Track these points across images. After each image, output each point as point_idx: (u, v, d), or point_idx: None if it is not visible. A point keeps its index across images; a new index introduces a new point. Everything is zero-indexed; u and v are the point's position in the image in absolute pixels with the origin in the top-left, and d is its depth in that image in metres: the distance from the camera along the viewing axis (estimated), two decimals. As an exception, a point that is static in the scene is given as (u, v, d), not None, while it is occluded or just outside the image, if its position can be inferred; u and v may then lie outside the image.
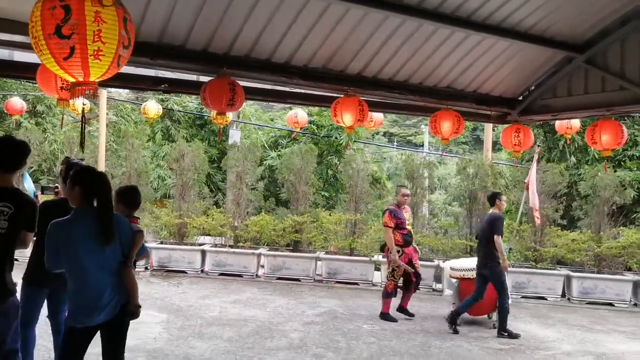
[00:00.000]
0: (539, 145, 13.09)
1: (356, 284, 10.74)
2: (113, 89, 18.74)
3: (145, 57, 4.77)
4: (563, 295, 10.42)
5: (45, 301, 4.55)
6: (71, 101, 5.64)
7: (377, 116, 9.73)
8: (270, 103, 29.02)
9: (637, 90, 5.49)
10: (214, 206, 12.67)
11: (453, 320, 7.63)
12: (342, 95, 5.66)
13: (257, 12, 4.77)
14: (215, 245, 11.70)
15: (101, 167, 13.78)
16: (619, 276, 10.37)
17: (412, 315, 8.30)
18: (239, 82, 5.18)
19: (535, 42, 5.64)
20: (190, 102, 17.55)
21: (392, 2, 4.77)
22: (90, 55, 2.88)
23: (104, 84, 5.92)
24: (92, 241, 3.39)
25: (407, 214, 8.14)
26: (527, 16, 5.26)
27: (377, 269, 11.07)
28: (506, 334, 7.48)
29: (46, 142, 15.22)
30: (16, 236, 3.57)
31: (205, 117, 16.76)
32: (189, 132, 17.00)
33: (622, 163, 13.75)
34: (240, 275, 10.99)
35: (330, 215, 11.70)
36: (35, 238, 3.91)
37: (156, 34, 4.76)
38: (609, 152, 6.45)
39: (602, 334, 8.05)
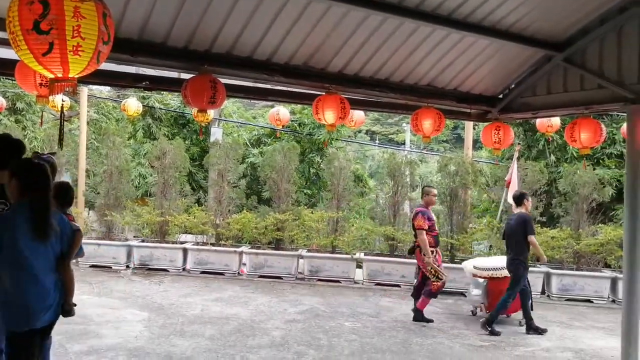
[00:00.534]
0: (519, 144, 13.24)
1: (338, 281, 10.78)
2: (94, 87, 18.54)
3: (126, 54, 4.73)
4: (543, 292, 10.56)
5: None
6: (51, 98, 5.57)
7: (358, 115, 9.73)
8: (252, 101, 28.95)
9: (615, 88, 5.56)
10: (196, 204, 12.60)
11: (491, 328, 7.60)
12: (324, 93, 5.66)
13: (238, 9, 4.75)
14: (197, 244, 11.66)
15: (82, 165, 13.63)
16: (598, 273, 10.56)
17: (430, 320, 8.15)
18: (220, 79, 5.16)
19: (515, 41, 5.69)
20: (172, 100, 17.39)
21: (373, 0, 4.79)
22: (69, 51, 2.83)
23: (84, 80, 5.84)
24: (31, 235, 3.22)
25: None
26: (508, 14, 5.31)
27: (359, 266, 11.12)
28: (489, 328, 7.58)
29: (26, 139, 14.96)
30: None
31: (187, 116, 16.63)
32: (170, 131, 16.85)
33: (600, 161, 13.94)
34: (222, 274, 10.96)
35: (312, 213, 11.71)
36: None
37: (137, 31, 4.72)
38: (588, 150, 6.54)
39: (580, 330, 8.19)
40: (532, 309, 7.93)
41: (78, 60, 2.88)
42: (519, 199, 7.88)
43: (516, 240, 7.55)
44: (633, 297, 5.72)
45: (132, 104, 11.54)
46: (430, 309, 9.00)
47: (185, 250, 11.28)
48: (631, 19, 5.43)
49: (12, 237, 3.20)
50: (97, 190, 12.57)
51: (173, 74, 6.05)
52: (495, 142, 6.79)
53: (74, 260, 4.11)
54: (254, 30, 4.99)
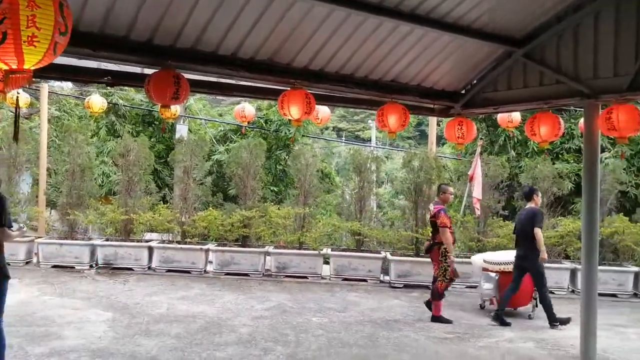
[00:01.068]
0: (481, 139, 13.50)
1: (305, 277, 10.80)
2: (55, 83, 18.07)
3: (87, 48, 4.61)
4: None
5: None
6: (8, 94, 5.40)
7: (324, 111, 9.77)
8: (218, 99, 28.68)
9: (572, 84, 5.73)
10: (161, 202, 12.42)
11: (501, 319, 7.88)
12: (289, 89, 5.65)
13: (202, 4, 4.69)
14: (163, 242, 11.51)
15: (43, 163, 13.27)
16: (558, 264, 10.85)
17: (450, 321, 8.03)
18: (184, 74, 5.09)
19: (476, 37, 5.78)
20: (137, 97, 17.07)
21: (337, -4, 4.81)
22: (24, 42, 2.75)
23: (44, 75, 5.73)
24: None
25: None
26: (469, 10, 5.40)
27: (326, 262, 11.16)
28: (557, 323, 7.78)
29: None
30: None
31: (155, 114, 16.35)
32: (135, 128, 16.55)
33: (560, 156, 14.36)
34: (188, 272, 10.85)
35: (279, 209, 11.69)
36: None
37: (98, 24, 4.61)
38: (547, 143, 6.72)
39: (542, 320, 8.34)
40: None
41: (33, 51, 2.80)
42: (529, 194, 8.09)
43: (527, 234, 7.74)
44: (591, 287, 5.93)
45: (97, 100, 11.28)
46: (397, 303, 9.14)
47: (150, 249, 11.12)
48: (586, 17, 5.60)
49: None
50: (59, 189, 12.26)
51: (136, 69, 5.92)
52: (458, 137, 6.90)
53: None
54: (218, 24, 4.94)
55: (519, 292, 7.98)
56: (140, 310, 7.89)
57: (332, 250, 11.27)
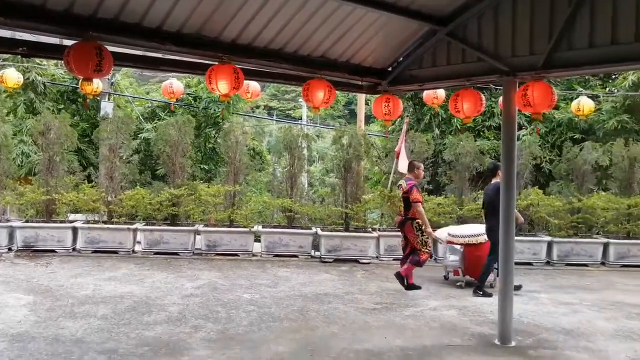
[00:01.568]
0: (407, 116, 13.86)
1: (236, 255, 10.79)
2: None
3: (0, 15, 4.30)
4: (430, 257, 11.21)
5: None
6: None
7: (254, 87, 9.65)
8: (145, 76, 27.66)
9: (492, 62, 5.95)
10: (86, 181, 11.94)
11: (481, 289, 8.31)
12: (217, 63, 5.55)
13: (125, -29, 4.50)
14: (88, 222, 11.09)
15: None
16: (478, 236, 11.39)
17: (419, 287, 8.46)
18: (107, 47, 4.87)
19: (402, 14, 5.87)
20: (58, 73, 16.13)
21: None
22: None
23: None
24: None
25: None
26: (395, -12, 5.48)
27: (257, 239, 11.19)
28: (481, 293, 8.23)
29: None
30: None
31: (78, 91, 15.52)
32: (56, 106, 15.68)
33: (481, 133, 15.00)
34: (115, 252, 10.56)
35: (208, 187, 11.55)
36: None
37: (11, -9, 4.31)
38: (470, 120, 6.99)
39: (463, 290, 8.81)
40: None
41: None
42: (494, 169, 8.45)
43: (494, 208, 7.86)
44: (508, 256, 6.27)
45: (11, 74, 10.52)
46: (327, 277, 9.33)
47: (74, 230, 10.71)
48: (506, -3, 5.83)
49: None
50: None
51: (54, 40, 5.59)
52: (385, 113, 7.04)
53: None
54: (142, -6, 4.76)
55: (483, 263, 8.42)
56: (64, 292, 7.63)
57: (263, 227, 11.29)
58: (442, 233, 9.45)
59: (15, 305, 6.82)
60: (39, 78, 15.35)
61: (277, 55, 5.96)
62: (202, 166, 15.69)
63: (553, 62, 5.48)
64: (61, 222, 11.10)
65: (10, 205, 11.34)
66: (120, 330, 6.05)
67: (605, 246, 11.59)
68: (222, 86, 5.48)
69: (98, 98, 14.16)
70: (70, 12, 4.65)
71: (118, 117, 12.40)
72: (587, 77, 15.16)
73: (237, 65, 5.57)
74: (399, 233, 11.22)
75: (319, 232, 11.00)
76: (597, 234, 12.24)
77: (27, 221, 10.98)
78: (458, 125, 14.66)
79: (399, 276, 8.32)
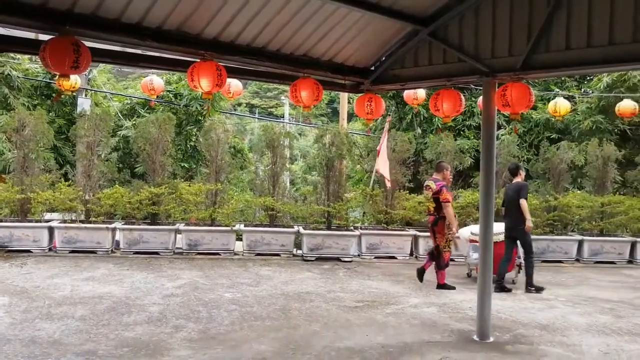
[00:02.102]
0: (389, 115, 13.93)
1: (218, 254, 10.73)
2: None
3: (-30, 8, 4.20)
4: (411, 254, 11.34)
5: None
6: None
7: (236, 85, 9.61)
8: (124, 72, 27.28)
9: (473, 62, 6.01)
10: (62, 180, 11.73)
11: (502, 286, 8.53)
12: (199, 60, 5.49)
13: (104, -35, 4.42)
14: (65, 221, 10.91)
15: None
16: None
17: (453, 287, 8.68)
18: (85, 42, 4.78)
19: (385, 14, 5.88)
20: (33, 67, 15.79)
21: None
22: None
23: None
24: None
25: None
26: (378, -12, 5.49)
27: (239, 238, 11.14)
28: (533, 288, 8.49)
29: None
30: None
31: (52, 85, 15.23)
32: (31, 101, 15.33)
33: (461, 132, 15.15)
34: (93, 252, 10.42)
35: (189, 186, 11.44)
36: None
37: (-17, -18, 4.21)
38: (449, 118, 7.06)
39: (443, 289, 8.86)
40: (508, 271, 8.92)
41: None
42: (515, 169, 8.91)
43: (515, 206, 8.51)
44: (487, 253, 6.34)
45: (-17, 69, 10.35)
46: (309, 275, 9.34)
47: (51, 229, 10.53)
48: (486, -1, 5.90)
49: None
50: None
51: (29, 35, 5.46)
52: (367, 112, 7.05)
53: None
54: (122, -11, 4.68)
55: (499, 260, 8.65)
56: (40, 293, 7.49)
57: (245, 226, 11.24)
58: (464, 232, 9.62)
59: (-11, 307, 6.69)
60: (13, 72, 15.03)
61: (260, 53, 5.92)
62: (183, 164, 15.54)
63: (531, 64, 5.57)
64: (37, 221, 10.90)
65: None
66: (99, 331, 5.96)
67: (580, 243, 11.85)
68: (205, 83, 5.43)
69: (75, 94, 13.92)
70: (46, 5, 4.54)
71: (96, 114, 12.20)
72: (563, 79, 15.43)
73: (219, 63, 5.53)
74: (380, 232, 11.40)
75: (301, 230, 10.99)
76: (572, 231, 12.49)
77: (0, 220, 10.76)
78: (439, 125, 14.80)
79: (441, 286, 8.62)
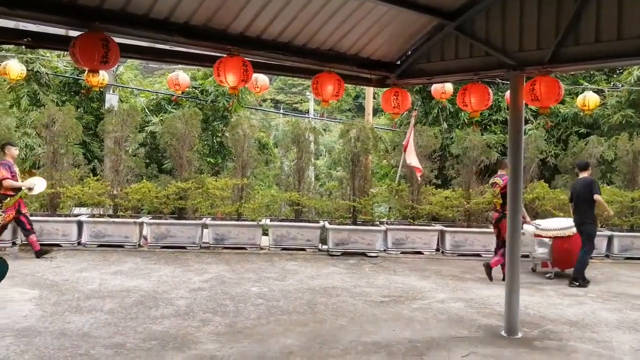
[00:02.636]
0: (415, 109, 13.82)
1: (244, 248, 10.80)
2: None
3: (2, 5, 4.25)
4: (438, 249, 11.26)
5: None
6: None
7: (262, 80, 9.66)
8: (150, 69, 27.65)
9: (500, 56, 5.93)
10: (91, 175, 11.93)
11: (583, 279, 8.74)
12: (225, 55, 5.51)
13: (133, -39, 4.46)
14: (93, 216, 11.10)
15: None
16: (485, 229, 11.40)
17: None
18: (113, 38, 4.83)
19: (411, 8, 5.84)
20: (61, 65, 16.09)
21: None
22: None
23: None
24: None
25: None
26: (405, -19, 5.45)
27: (265, 233, 11.19)
28: (577, 283, 8.70)
29: None
30: None
31: (81, 82, 15.49)
32: (60, 98, 15.62)
33: (488, 127, 14.96)
34: (121, 246, 10.57)
35: (216, 181, 11.53)
36: None
37: (16, -20, 4.28)
38: (477, 113, 6.98)
39: (470, 282, 8.84)
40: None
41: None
42: (585, 166, 9.16)
43: (583, 201, 8.72)
44: (515, 249, 6.26)
45: (14, 66, 10.53)
46: (335, 270, 9.34)
47: (80, 223, 10.73)
48: (513, -8, 5.80)
49: None
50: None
51: (60, 31, 5.55)
52: (394, 107, 7.03)
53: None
54: (150, -15, 4.72)
55: (571, 255, 8.96)
56: (69, 286, 7.62)
57: (270, 221, 11.29)
58: (528, 227, 9.65)
59: (20, 300, 6.78)
60: (42, 69, 15.32)
61: (286, 48, 5.93)
62: (209, 159, 15.65)
63: (560, 57, 5.48)
64: (66, 215, 11.12)
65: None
66: (127, 324, 6.04)
67: (610, 239, 11.64)
68: (231, 79, 5.46)
69: (102, 90, 14.13)
70: (76, 2, 4.61)
71: (123, 109, 12.37)
72: (592, 72, 15.12)
73: (245, 58, 5.54)
74: (406, 227, 11.34)
75: (327, 225, 10.99)
76: (602, 226, 12.22)
77: (31, 215, 10.96)
78: (465, 119, 14.66)
79: (488, 267, 8.72)
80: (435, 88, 9.43)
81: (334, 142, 22.72)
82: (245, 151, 11.74)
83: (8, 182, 9.17)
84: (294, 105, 37.34)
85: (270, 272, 9.01)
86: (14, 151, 9.68)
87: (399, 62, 7.01)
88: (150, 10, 4.95)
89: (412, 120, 11.70)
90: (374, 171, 14.85)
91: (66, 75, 15.87)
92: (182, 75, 10.30)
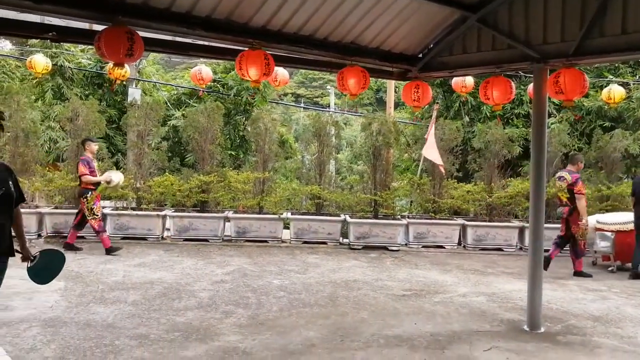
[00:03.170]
0: (436, 102, 13.73)
1: (265, 241, 10.86)
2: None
3: (28, 0, 4.34)
4: (459, 243, 11.19)
5: None
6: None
7: (282, 75, 9.68)
8: (172, 63, 27.87)
9: (523, 48, 5.85)
10: (114, 168, 12.08)
11: (637, 274, 8.80)
12: (247, 49, 5.54)
13: (155, -45, 4.50)
14: (117, 209, 11.26)
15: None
16: (507, 223, 11.32)
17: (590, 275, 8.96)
18: (137, 32, 4.89)
19: (432, 0, 5.80)
20: (84, 60, 16.33)
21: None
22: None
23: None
24: None
25: None
26: (426, -27, 5.40)
27: (286, 226, 11.23)
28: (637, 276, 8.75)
29: None
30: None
31: (104, 75, 15.70)
32: (83, 91, 15.87)
33: (510, 121, 14.78)
34: (144, 239, 10.71)
35: (238, 174, 11.60)
36: None
37: (40, -26, 4.33)
38: (500, 107, 6.90)
39: (492, 276, 8.78)
40: None
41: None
42: None
43: None
44: (538, 244, 6.19)
45: (40, 60, 10.71)
46: (356, 263, 9.35)
47: (103, 216, 10.86)
48: (537, -17, 5.71)
49: None
50: (1, 155, 11.73)
51: (84, 25, 5.62)
52: (414, 99, 6.99)
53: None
54: (172, -21, 4.76)
55: (629, 249, 9.00)
56: (94, 278, 7.74)
57: (292, 214, 11.33)
58: (590, 221, 9.66)
59: (46, 291, 6.85)
60: (66, 63, 15.55)
61: (307, 41, 5.92)
62: (231, 153, 15.75)
63: (585, 49, 5.39)
64: (90, 208, 11.27)
65: (38, 191, 11.52)
66: (151, 315, 6.11)
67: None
68: (253, 72, 5.48)
69: (125, 84, 14.30)
70: (100, -4, 4.66)
71: (146, 103, 12.49)
72: (617, 65, 14.79)
73: (267, 51, 5.56)
74: (427, 220, 11.27)
75: (348, 219, 11.00)
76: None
77: (56, 207, 11.18)
78: (487, 113, 14.50)
79: (577, 273, 8.91)
80: (456, 82, 9.35)
81: (355, 136, 22.68)
82: (266, 145, 11.78)
83: (87, 178, 9.41)
84: (314, 99, 37.36)
85: (292, 265, 9.05)
86: (94, 147, 9.90)
87: (420, 55, 6.95)
88: (172, 4, 4.99)
89: (434, 114, 11.62)
90: (395, 165, 14.77)
91: (89, 69, 16.08)
92: (204, 69, 10.37)
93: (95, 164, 9.76)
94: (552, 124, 13.53)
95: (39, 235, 10.63)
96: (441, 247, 10.99)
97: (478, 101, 13.84)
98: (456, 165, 12.16)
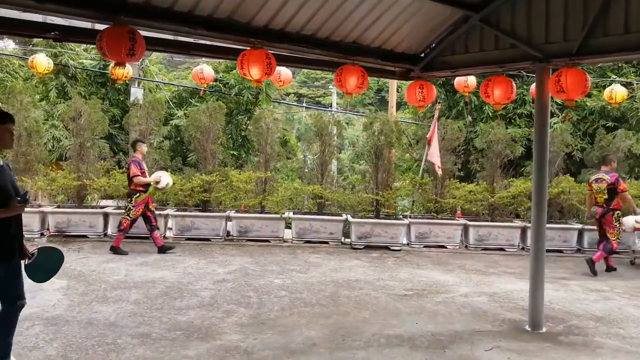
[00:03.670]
0: (439, 102, 13.71)
1: (267, 241, 10.85)
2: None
3: (31, -1, 4.35)
4: (461, 243, 11.18)
5: None
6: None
7: (285, 74, 9.65)
8: (174, 63, 27.88)
9: (525, 48, 5.84)
10: (116, 167, 12.12)
11: None
12: (249, 48, 5.54)
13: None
14: (119, 208, 11.26)
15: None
16: (509, 223, 11.30)
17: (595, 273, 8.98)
18: (139, 31, 4.89)
19: (435, 0, 5.81)
20: (87, 59, 16.37)
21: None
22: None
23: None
24: None
25: None
26: (428, -28, 5.39)
27: (288, 226, 11.24)
28: None
29: None
30: None
31: (107, 74, 15.73)
32: (87, 90, 15.89)
33: (512, 121, 14.76)
34: (146, 238, 10.68)
35: (240, 174, 11.61)
36: None
37: (42, -27, 4.34)
38: (500, 106, 6.90)
39: (494, 276, 8.77)
40: None
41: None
42: None
43: None
44: (539, 244, 6.18)
45: (42, 60, 10.71)
46: (358, 263, 9.35)
47: (106, 215, 10.90)
48: (539, -17, 5.71)
49: None
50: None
51: (86, 24, 5.62)
52: (419, 99, 6.98)
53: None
54: (173, -22, 4.76)
55: None
56: (96, 277, 7.75)
57: (293, 214, 11.33)
58: (629, 220, 9.71)
59: (49, 289, 6.85)
60: (70, 62, 15.57)
61: (309, 41, 5.92)
62: (233, 153, 15.76)
63: (587, 49, 5.39)
64: (92, 207, 11.30)
65: (41, 190, 11.54)
66: (153, 314, 6.13)
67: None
68: (254, 71, 5.48)
69: (127, 83, 14.31)
70: (101, -4, 4.66)
71: (148, 102, 12.50)
72: (620, 65, 14.75)
73: (269, 51, 5.56)
74: (429, 220, 11.28)
75: (350, 218, 10.99)
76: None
77: (58, 206, 11.19)
78: (490, 113, 14.49)
79: (591, 262, 8.95)
80: (458, 81, 9.34)
81: (357, 136, 22.68)
82: (268, 144, 11.78)
83: (138, 179, 9.41)
84: (316, 99, 37.37)
85: (293, 264, 9.05)
86: (144, 148, 9.95)
87: (422, 55, 6.95)
88: (174, 3, 4.99)
89: (436, 114, 11.62)
90: (397, 164, 14.78)
91: (92, 68, 16.11)
92: (206, 68, 10.37)
93: (145, 165, 9.78)
94: (554, 123, 13.51)
95: (42, 234, 10.64)
96: (443, 247, 10.98)
97: (481, 101, 13.84)
98: (458, 165, 12.15)
